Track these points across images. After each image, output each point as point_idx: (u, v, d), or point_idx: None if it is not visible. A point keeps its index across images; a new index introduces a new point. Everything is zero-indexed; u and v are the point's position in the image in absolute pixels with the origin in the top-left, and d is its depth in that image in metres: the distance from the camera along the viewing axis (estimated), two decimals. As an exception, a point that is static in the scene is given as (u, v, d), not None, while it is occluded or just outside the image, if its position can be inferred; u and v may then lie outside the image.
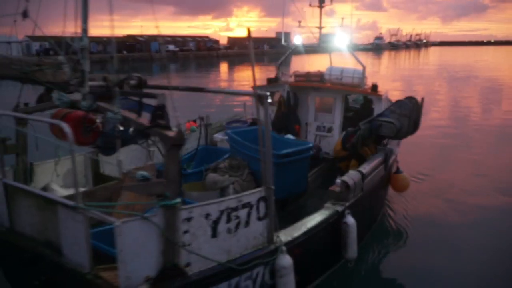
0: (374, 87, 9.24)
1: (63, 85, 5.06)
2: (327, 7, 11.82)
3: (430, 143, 15.37)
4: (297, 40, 11.33)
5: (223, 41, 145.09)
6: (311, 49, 11.93)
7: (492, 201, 10.34)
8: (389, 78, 43.00)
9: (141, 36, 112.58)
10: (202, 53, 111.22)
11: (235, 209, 4.87)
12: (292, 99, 9.84)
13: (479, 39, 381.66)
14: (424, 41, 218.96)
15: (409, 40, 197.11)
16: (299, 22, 11.22)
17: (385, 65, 70.45)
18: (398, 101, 8.21)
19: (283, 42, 8.67)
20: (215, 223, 4.68)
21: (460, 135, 17.40)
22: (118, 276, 4.13)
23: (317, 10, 11.56)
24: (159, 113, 4.59)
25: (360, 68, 9.66)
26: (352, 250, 6.51)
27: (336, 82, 9.70)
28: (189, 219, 4.44)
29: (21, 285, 5.35)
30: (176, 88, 5.45)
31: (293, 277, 5.26)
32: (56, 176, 6.60)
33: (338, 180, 6.77)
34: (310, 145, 7.60)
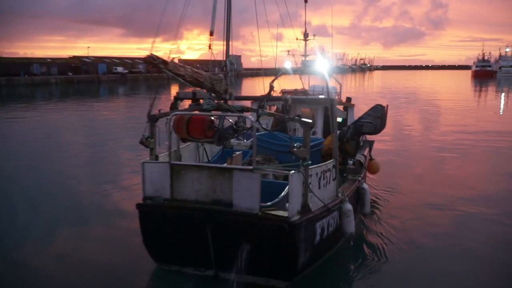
0: (349, 99, 11.82)
1: (219, 93, 8.16)
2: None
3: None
4: (287, 65, 13.88)
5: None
6: (297, 72, 14.12)
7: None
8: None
9: (88, 57, 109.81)
10: (152, 75, 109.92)
11: (325, 171, 7.72)
12: (285, 110, 11.09)
13: (418, 64, 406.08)
14: (368, 65, 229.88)
15: (355, 64, 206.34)
16: (288, 51, 13.92)
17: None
18: (372, 107, 11.02)
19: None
20: (319, 179, 7.49)
21: (402, 150, 18.30)
22: (288, 209, 6.73)
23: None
24: (288, 108, 8.29)
25: (337, 85, 12.45)
26: (367, 207, 9.64)
27: (298, 97, 11.71)
28: (311, 175, 7.12)
29: (191, 237, 7.22)
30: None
31: (353, 217, 8.15)
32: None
33: (350, 161, 9.86)
34: (322, 139, 9.83)
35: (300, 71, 13.89)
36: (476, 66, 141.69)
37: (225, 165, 7.87)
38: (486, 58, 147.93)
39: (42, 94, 59.80)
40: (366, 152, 11.52)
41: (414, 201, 11.84)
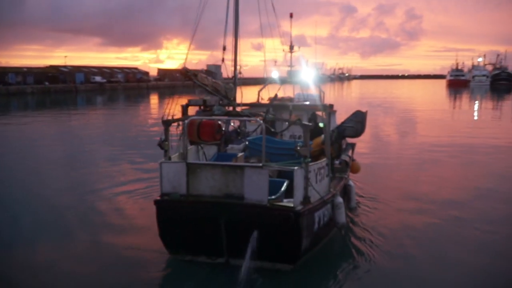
0: (331, 105, 12.43)
1: (230, 99, 9.76)
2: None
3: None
4: (274, 74, 15.30)
5: (154, 73, 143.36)
6: (284, 81, 15.97)
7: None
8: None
9: (65, 66, 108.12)
10: (131, 84, 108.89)
11: (321, 168, 8.84)
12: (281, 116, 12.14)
13: (395, 73, 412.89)
14: (347, 74, 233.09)
15: (333, 74, 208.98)
16: (275, 61, 15.24)
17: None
18: (353, 113, 11.86)
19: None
20: (316, 174, 8.56)
21: (380, 153, 18.59)
22: (293, 200, 7.92)
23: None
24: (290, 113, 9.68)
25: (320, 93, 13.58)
26: (353, 202, 11.25)
27: (303, 104, 12.90)
28: (309, 171, 8.18)
29: (206, 228, 8.05)
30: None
31: (344, 209, 9.32)
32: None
33: (336, 161, 10.96)
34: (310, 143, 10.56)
35: (286, 80, 15.16)
36: (451, 76, 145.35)
37: (237, 163, 9.12)
38: (459, 67, 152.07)
39: (17, 104, 58.50)
40: (350, 153, 13.04)
41: (391, 196, 13.11)
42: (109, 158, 18.67)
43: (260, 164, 7.90)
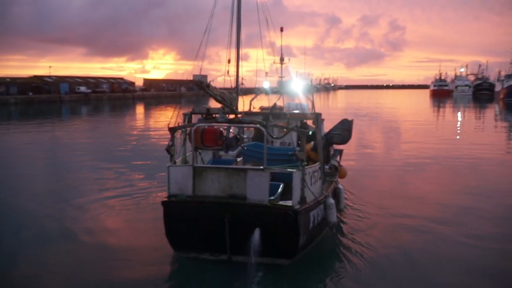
0: (319, 114, 13.07)
1: (233, 108, 10.79)
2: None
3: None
4: (265, 85, 16.14)
5: (139, 83, 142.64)
6: (275, 91, 16.69)
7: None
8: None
9: (49, 77, 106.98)
10: (116, 95, 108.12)
11: (315, 171, 9.62)
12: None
13: (380, 83, 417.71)
14: (332, 84, 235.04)
15: (319, 84, 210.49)
16: (266, 72, 15.68)
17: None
18: (340, 121, 12.62)
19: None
20: (311, 177, 9.29)
21: (366, 161, 18.72)
22: (292, 199, 8.60)
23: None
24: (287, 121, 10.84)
25: (309, 103, 14.01)
26: (342, 204, 11.81)
27: (293, 112, 13.20)
28: (305, 174, 8.91)
29: (210, 226, 8.62)
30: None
31: (335, 210, 10.14)
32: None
33: (326, 166, 11.49)
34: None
35: (277, 90, 16.09)
36: (434, 86, 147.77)
37: (240, 166, 9.94)
38: (442, 78, 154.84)
39: (0, 114, 57.54)
40: (338, 159, 13.88)
41: (375, 198, 14.06)
42: (92, 169, 18.42)
43: (262, 167, 8.61)
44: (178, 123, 9.86)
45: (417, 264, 9.22)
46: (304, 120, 13.20)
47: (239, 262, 8.61)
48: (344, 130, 12.60)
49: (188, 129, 9.61)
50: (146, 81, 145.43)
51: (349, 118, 12.83)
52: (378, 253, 9.58)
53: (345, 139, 12.62)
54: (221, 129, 9.87)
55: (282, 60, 17.28)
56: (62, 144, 27.92)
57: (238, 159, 10.50)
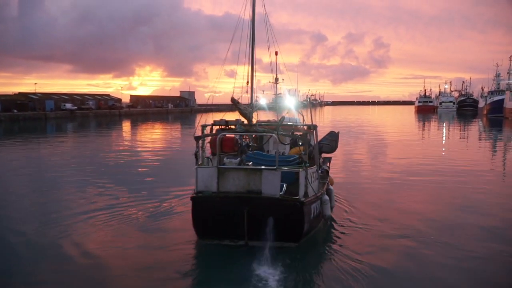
0: (316, 126, 14.61)
1: (250, 120, 12.78)
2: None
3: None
4: (262, 101, 18.02)
5: (126, 100, 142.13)
6: (271, 107, 19.22)
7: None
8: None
9: (35, 93, 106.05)
10: (103, 111, 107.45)
11: (313, 172, 11.65)
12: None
13: (366, 99, 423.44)
14: (319, 100, 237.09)
15: (306, 100, 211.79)
16: (263, 91, 19.01)
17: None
18: (328, 133, 15.03)
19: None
20: (311, 177, 11.25)
21: (352, 172, 18.83)
22: (298, 194, 10.56)
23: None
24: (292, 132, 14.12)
25: (300, 117, 16.04)
26: (333, 202, 13.53)
27: (295, 124, 14.93)
28: (308, 173, 11.02)
29: (231, 216, 10.38)
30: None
31: (329, 205, 12.35)
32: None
33: (319, 171, 12.88)
34: (295, 156, 12.53)
35: (272, 106, 18.37)
36: (419, 102, 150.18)
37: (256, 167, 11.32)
38: (427, 94, 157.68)
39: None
40: (328, 165, 15.64)
41: (361, 201, 15.88)
42: (76, 185, 18.18)
43: (275, 167, 10.51)
44: (202, 133, 12.40)
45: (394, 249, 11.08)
46: (295, 133, 14.98)
47: (255, 247, 10.33)
48: (332, 140, 14.75)
49: (208, 138, 12.36)
50: (133, 97, 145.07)
51: (336, 131, 15.04)
52: (364, 244, 11.32)
53: (333, 148, 14.89)
54: (237, 137, 12.34)
55: (277, 80, 20.28)
56: (47, 161, 27.52)
57: (250, 163, 11.95)
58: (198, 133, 12.43)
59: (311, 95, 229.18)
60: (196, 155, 11.90)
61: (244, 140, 14.18)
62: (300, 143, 13.59)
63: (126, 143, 40.84)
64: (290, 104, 18.26)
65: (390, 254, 10.59)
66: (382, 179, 20.29)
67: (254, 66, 13.72)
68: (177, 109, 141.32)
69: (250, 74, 13.99)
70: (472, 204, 15.46)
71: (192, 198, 10.77)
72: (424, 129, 61.45)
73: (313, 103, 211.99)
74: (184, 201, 14.83)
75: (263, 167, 10.89)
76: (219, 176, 10.68)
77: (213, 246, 10.73)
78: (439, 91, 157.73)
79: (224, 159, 11.96)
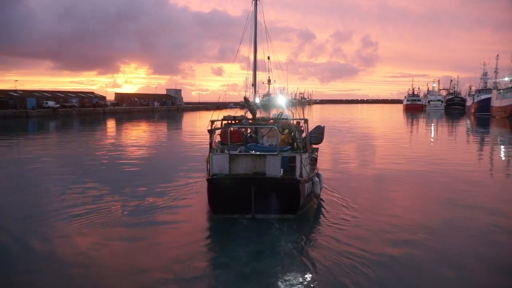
0: (298, 122, 16.39)
1: (254, 116, 16.26)
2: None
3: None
4: (256, 100, 19.61)
5: (111, 97, 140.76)
6: (264, 105, 25.07)
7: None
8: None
9: (15, 91, 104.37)
10: (86, 109, 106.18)
11: (306, 158, 13.99)
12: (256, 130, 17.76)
13: (355, 98, 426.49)
14: (308, 99, 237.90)
15: (294, 98, 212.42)
16: (258, 91, 19.57)
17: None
18: (316, 127, 17.67)
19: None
20: (305, 161, 13.70)
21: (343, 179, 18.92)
22: (295, 174, 13.10)
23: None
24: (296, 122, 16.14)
25: (290, 113, 17.46)
26: (322, 183, 15.18)
27: (285, 119, 16.60)
28: (304, 158, 13.63)
29: (241, 194, 12.61)
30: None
31: (319, 185, 14.59)
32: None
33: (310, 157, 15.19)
34: (288, 148, 14.65)
35: (266, 104, 24.95)
36: (407, 100, 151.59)
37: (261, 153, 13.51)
38: (415, 92, 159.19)
39: None
40: (316, 154, 17.87)
41: (348, 189, 16.86)
42: (58, 184, 17.90)
43: (276, 153, 13.07)
44: (214, 127, 14.79)
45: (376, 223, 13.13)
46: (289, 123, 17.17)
47: (260, 219, 12.67)
48: (318, 133, 17.49)
49: (219, 130, 15.06)
50: (118, 95, 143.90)
51: (322, 125, 17.83)
52: (349, 218, 13.49)
53: (319, 140, 17.67)
54: (242, 130, 15.95)
55: (269, 81, 24.09)
56: (27, 159, 27.05)
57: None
58: (210, 126, 14.90)
59: (300, 93, 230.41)
60: (210, 145, 14.35)
61: (248, 133, 17.23)
62: (291, 133, 15.99)
63: (110, 141, 40.38)
64: (281, 102, 21.00)
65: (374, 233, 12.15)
66: (366, 170, 20.40)
67: (253, 66, 16.94)
68: (164, 107, 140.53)
69: (253, 76, 17.94)
70: (460, 199, 15.75)
71: (208, 180, 12.98)
72: (412, 128, 62.00)
73: (301, 102, 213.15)
74: (169, 198, 15.03)
75: (266, 153, 13.27)
76: (230, 161, 13.01)
77: (225, 219, 12.88)
78: (427, 90, 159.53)
79: (225, 150, 14.08)
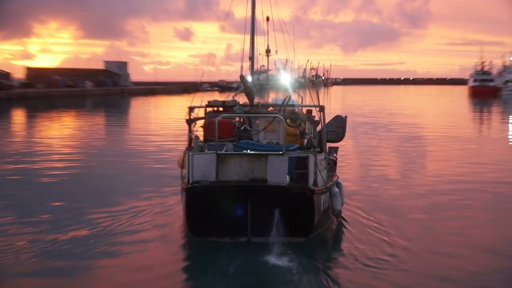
0: (309, 111, 17.88)
1: (252, 101, 16.94)
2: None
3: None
4: (248, 79, 19.90)
5: (19, 75, 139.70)
6: (262, 86, 22.50)
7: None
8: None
9: None
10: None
11: (322, 160, 15.20)
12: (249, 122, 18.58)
13: (395, 76, 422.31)
14: (323, 77, 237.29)
15: (303, 76, 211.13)
16: (262, 66, 21.37)
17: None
18: (334, 118, 18.08)
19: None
20: (320, 164, 14.74)
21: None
22: (307, 182, 13.96)
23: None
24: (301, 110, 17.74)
25: (299, 98, 18.84)
26: (343, 196, 16.00)
27: (293, 106, 17.17)
28: (320, 160, 14.87)
29: (233, 209, 13.02)
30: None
31: (340, 198, 15.43)
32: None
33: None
34: (297, 146, 15.57)
35: (264, 85, 22.32)
36: (474, 81, 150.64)
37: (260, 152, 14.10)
38: (486, 69, 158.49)
39: None
40: (335, 155, 18.41)
41: (375, 201, 19.39)
42: None
43: (281, 152, 13.42)
44: (195, 116, 15.56)
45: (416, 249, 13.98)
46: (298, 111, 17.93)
47: (258, 243, 13.11)
48: (338, 127, 17.72)
49: (203, 121, 15.98)
50: (30, 71, 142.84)
51: (343, 115, 18.11)
52: (379, 245, 14.07)
53: (339, 136, 17.90)
54: (234, 121, 16.30)
55: (268, 52, 23.13)
56: None
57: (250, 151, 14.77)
58: (188, 115, 15.55)
59: (312, 68, 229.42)
60: (189, 141, 14.77)
61: (241, 125, 17.99)
62: (301, 125, 16.98)
63: (18, 145, 40.30)
64: (285, 82, 21.71)
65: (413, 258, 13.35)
66: (411, 183, 21.28)
67: (251, 28, 17.86)
68: (101, 89, 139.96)
69: (250, 44, 18.46)
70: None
71: (186, 189, 13.42)
72: (481, 125, 62.15)
73: (313, 82, 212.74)
74: (122, 225, 15.74)
75: (268, 152, 13.85)
76: (218, 164, 13.41)
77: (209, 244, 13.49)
78: (504, 65, 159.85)
79: (206, 149, 14.86)
